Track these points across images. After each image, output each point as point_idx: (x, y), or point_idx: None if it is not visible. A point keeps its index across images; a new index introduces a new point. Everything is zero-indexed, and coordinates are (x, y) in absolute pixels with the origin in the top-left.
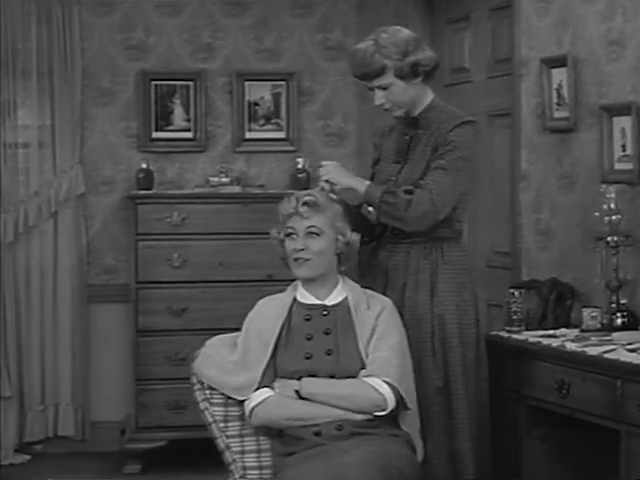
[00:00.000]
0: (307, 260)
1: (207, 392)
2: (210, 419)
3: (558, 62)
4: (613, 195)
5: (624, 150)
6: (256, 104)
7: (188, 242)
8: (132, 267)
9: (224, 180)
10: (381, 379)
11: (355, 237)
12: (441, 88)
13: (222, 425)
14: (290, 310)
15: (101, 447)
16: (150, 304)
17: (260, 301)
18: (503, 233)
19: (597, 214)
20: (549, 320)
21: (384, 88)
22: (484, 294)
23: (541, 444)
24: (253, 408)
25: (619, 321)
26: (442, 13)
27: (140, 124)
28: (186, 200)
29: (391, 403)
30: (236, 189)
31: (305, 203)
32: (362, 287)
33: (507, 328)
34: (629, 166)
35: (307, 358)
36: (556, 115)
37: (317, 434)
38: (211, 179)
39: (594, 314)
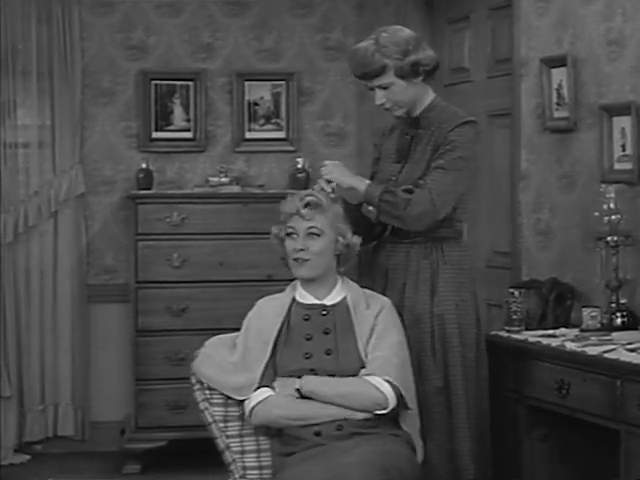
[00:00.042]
0: (306, 260)
1: (207, 392)
2: (210, 419)
3: (558, 62)
4: (613, 195)
5: (624, 150)
6: (256, 104)
7: (188, 242)
8: (132, 267)
9: (224, 180)
10: (382, 378)
11: (356, 240)
12: (441, 88)
13: (222, 425)
14: (289, 310)
15: (101, 447)
16: (150, 304)
17: (259, 301)
18: (503, 233)
19: (597, 214)
20: (549, 320)
21: (384, 88)
22: (484, 294)
23: (541, 444)
24: (253, 407)
25: (619, 321)
26: (442, 13)
27: (140, 124)
28: (186, 200)
29: (392, 402)
30: (236, 189)
31: (307, 204)
32: (361, 287)
33: (507, 328)
34: (629, 166)
35: (306, 358)
36: (556, 115)
37: (317, 434)
38: (211, 179)
39: (594, 314)
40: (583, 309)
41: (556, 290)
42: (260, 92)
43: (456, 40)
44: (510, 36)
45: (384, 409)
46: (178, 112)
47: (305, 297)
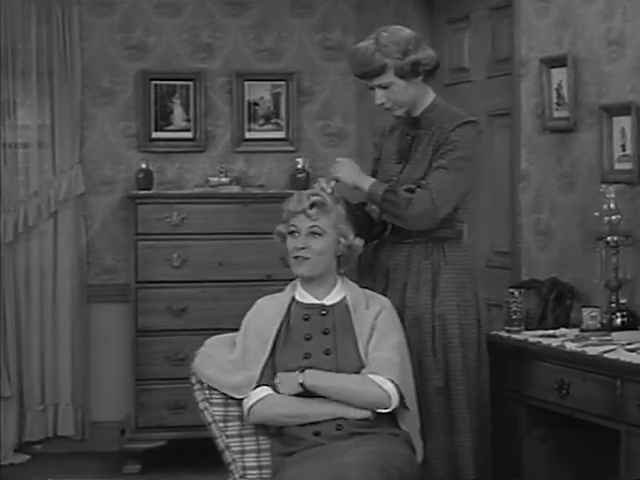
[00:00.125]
0: (307, 259)
1: (207, 392)
2: (210, 419)
3: (558, 62)
4: (613, 195)
5: (624, 150)
6: (256, 104)
7: (188, 242)
8: (132, 267)
9: (224, 180)
10: (385, 377)
11: (358, 242)
12: (441, 88)
13: (222, 425)
14: (289, 309)
15: (101, 447)
16: (150, 304)
17: (258, 301)
18: (503, 233)
19: (597, 214)
20: (549, 320)
21: (384, 87)
22: (484, 294)
23: (541, 444)
24: (252, 406)
25: (619, 321)
26: (442, 13)
27: (140, 124)
28: (186, 200)
29: (395, 401)
30: (236, 189)
31: (313, 204)
32: (361, 287)
33: (507, 328)
34: (629, 166)
35: (305, 358)
36: (556, 115)
37: (316, 434)
38: (211, 179)
39: (594, 314)
40: (583, 309)
41: (556, 290)
42: (260, 92)
43: (456, 40)
44: (510, 36)
45: (386, 408)
46: (178, 112)
47: (304, 297)
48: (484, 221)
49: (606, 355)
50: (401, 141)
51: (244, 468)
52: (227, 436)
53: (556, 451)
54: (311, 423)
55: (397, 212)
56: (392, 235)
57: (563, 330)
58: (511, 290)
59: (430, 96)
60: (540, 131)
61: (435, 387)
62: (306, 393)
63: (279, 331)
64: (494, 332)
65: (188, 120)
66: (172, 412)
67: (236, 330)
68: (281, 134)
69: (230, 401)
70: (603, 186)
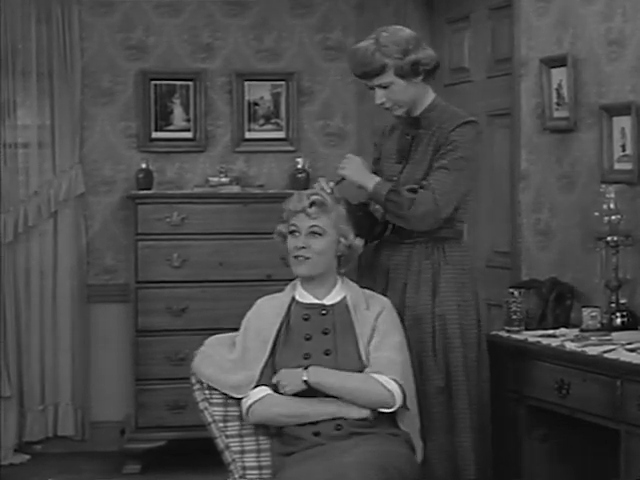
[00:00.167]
0: (307, 259)
1: (206, 392)
2: (209, 419)
3: (558, 62)
4: (613, 195)
5: (624, 150)
6: (256, 104)
7: (188, 242)
8: (132, 267)
9: (224, 180)
10: (389, 376)
11: (358, 242)
12: (441, 88)
13: (221, 425)
14: (289, 309)
15: (101, 447)
16: (150, 304)
17: (258, 301)
18: (503, 233)
19: (597, 214)
20: (549, 320)
21: (385, 87)
22: (484, 294)
23: (541, 444)
24: (250, 405)
25: (619, 321)
26: (442, 13)
27: (140, 124)
28: (186, 200)
29: (398, 400)
30: (236, 189)
31: (313, 203)
32: (361, 287)
33: (507, 328)
34: (629, 166)
35: (305, 358)
36: (556, 115)
37: (316, 434)
38: (211, 179)
39: (594, 314)
40: (583, 309)
41: (556, 290)
42: (260, 92)
43: (456, 40)
44: (510, 36)
45: (389, 408)
46: (178, 112)
47: (304, 296)
48: (484, 221)
49: (606, 355)
50: (401, 141)
51: (244, 468)
52: (227, 436)
53: (556, 451)
54: (311, 423)
55: (400, 212)
56: (392, 235)
57: (563, 330)
58: (511, 290)
59: (430, 96)
60: (540, 131)
61: (436, 387)
62: (307, 391)
63: (279, 331)
64: (494, 332)
65: (188, 120)
66: (172, 412)
67: (236, 330)
68: (281, 134)
69: (230, 401)
70: (603, 186)
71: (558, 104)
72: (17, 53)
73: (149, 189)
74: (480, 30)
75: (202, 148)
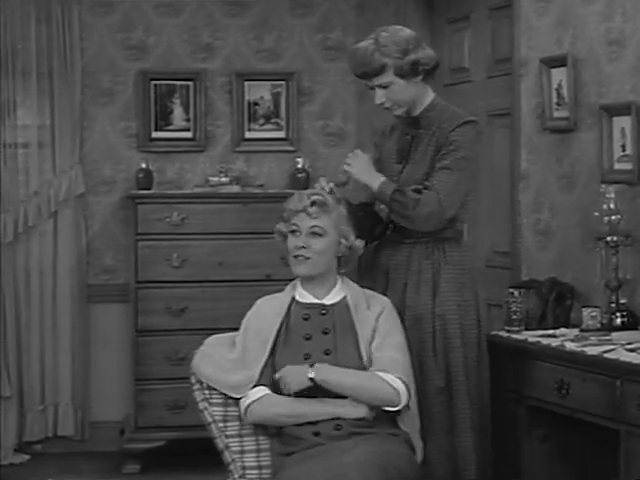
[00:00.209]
0: (307, 259)
1: (206, 392)
2: (209, 419)
3: (558, 62)
4: (613, 195)
5: (624, 150)
6: (256, 104)
7: (187, 242)
8: (132, 267)
9: (224, 180)
10: (394, 375)
11: (359, 243)
12: (441, 88)
13: (221, 425)
14: (289, 309)
15: (100, 447)
16: (149, 304)
17: (258, 301)
18: (503, 233)
19: (597, 214)
20: (549, 320)
21: (384, 87)
22: (484, 294)
23: (541, 444)
24: (249, 405)
25: (618, 321)
26: (442, 13)
27: (140, 124)
28: (186, 200)
29: (404, 399)
30: (235, 189)
31: (314, 203)
32: (361, 287)
33: (506, 328)
34: (629, 166)
35: (305, 358)
36: (556, 115)
37: (316, 434)
38: (211, 179)
39: (594, 314)
40: (583, 309)
41: (556, 290)
42: (260, 92)
43: (456, 40)
44: (510, 36)
45: (394, 406)
46: (178, 112)
47: (304, 296)
48: (484, 221)
49: (606, 355)
50: (401, 141)
51: (244, 468)
52: (226, 436)
53: (556, 451)
54: (310, 423)
55: (405, 212)
56: (393, 235)
57: (563, 330)
58: (511, 290)
59: (430, 96)
60: (540, 131)
61: (436, 387)
62: (307, 390)
63: (279, 331)
64: (494, 332)
65: (188, 120)
66: (172, 412)
67: (236, 330)
68: (281, 134)
69: (229, 401)
70: (603, 186)
71: (558, 104)
72: (17, 53)
73: (149, 189)
74: (480, 30)
75: (202, 148)
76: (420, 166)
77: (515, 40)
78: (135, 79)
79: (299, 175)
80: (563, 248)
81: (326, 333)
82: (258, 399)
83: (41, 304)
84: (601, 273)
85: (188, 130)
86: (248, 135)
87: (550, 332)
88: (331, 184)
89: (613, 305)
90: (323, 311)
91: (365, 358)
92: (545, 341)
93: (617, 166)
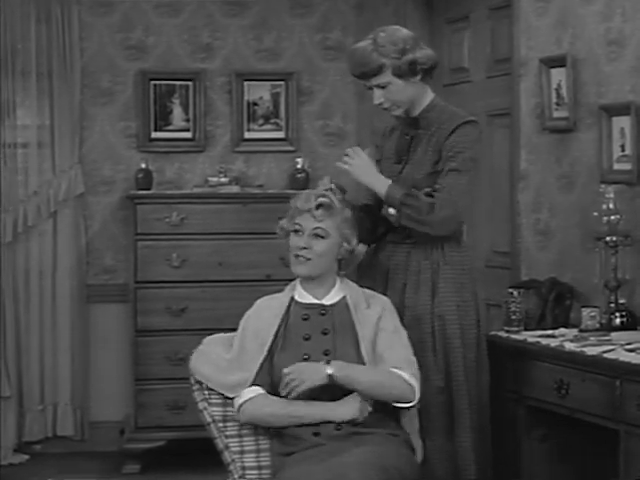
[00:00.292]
0: (308, 260)
1: (206, 392)
2: (209, 419)
3: (557, 62)
4: (612, 195)
5: (623, 150)
6: (255, 104)
7: (187, 242)
8: (131, 267)
9: (223, 180)
10: (408, 372)
11: (361, 248)
12: (440, 88)
13: (221, 425)
14: (288, 309)
15: (100, 447)
16: (149, 304)
17: (258, 301)
18: (502, 233)
19: (596, 214)
20: (548, 320)
21: (383, 87)
22: (483, 294)
23: (541, 444)
24: (241, 405)
25: (618, 321)
26: (441, 13)
27: (139, 124)
28: (185, 200)
29: (417, 396)
30: (235, 189)
31: (320, 205)
32: (360, 287)
33: (506, 328)
34: (628, 166)
35: (305, 358)
36: (555, 115)
37: (316, 434)
38: (210, 179)
39: (593, 314)
40: (582, 309)
41: (555, 290)
42: (259, 92)
43: (455, 40)
44: (510, 36)
45: (409, 402)
46: (177, 112)
47: (304, 296)
48: (484, 221)
49: (605, 355)
50: (400, 141)
51: (243, 468)
52: (226, 436)
53: (556, 451)
54: (305, 424)
55: (419, 217)
56: (392, 235)
57: (562, 330)
58: (510, 290)
59: (429, 96)
60: (539, 131)
61: (436, 387)
62: (321, 388)
63: (277, 331)
64: (493, 332)
65: (187, 120)
66: (171, 412)
67: (235, 330)
68: (281, 134)
69: (229, 401)
70: (602, 186)
71: (557, 104)
72: (17, 53)
73: (148, 189)
74: (480, 30)
75: (201, 148)
76: (419, 167)
77: (515, 40)
78: (135, 79)
79: (299, 175)
80: (562, 248)
81: (325, 333)
82: (251, 399)
83: (41, 304)
84: (600, 273)
85: (188, 130)
86: (247, 135)
87: (549, 332)
88: (332, 185)
89: (612, 305)
90: (322, 311)
91: (366, 358)
92: (544, 341)
93: (616, 166)
